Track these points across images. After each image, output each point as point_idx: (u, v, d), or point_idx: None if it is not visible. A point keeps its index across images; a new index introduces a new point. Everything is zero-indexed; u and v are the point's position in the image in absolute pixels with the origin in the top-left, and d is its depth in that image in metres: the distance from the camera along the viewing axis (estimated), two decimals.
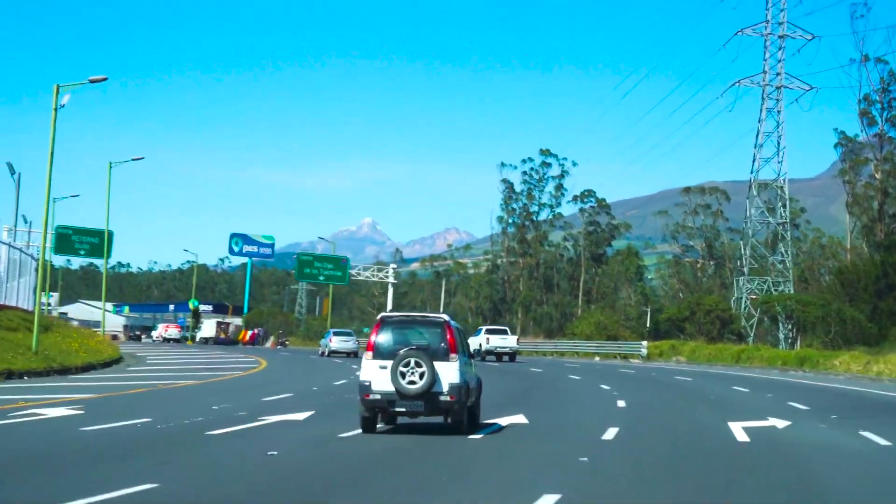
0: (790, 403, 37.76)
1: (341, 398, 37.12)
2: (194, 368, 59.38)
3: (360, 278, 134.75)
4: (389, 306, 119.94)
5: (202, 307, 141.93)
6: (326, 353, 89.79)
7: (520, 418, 29.02)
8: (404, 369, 23.66)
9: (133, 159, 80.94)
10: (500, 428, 26.83)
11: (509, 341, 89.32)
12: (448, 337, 24.78)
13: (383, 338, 24.83)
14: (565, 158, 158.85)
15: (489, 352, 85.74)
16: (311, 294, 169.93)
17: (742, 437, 25.04)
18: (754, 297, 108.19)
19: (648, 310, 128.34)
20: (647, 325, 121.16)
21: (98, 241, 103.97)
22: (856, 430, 27.52)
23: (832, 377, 63.89)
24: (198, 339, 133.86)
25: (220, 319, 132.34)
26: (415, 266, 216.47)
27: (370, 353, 24.59)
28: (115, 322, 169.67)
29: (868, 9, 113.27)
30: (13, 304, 70.25)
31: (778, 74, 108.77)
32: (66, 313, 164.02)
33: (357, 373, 49.91)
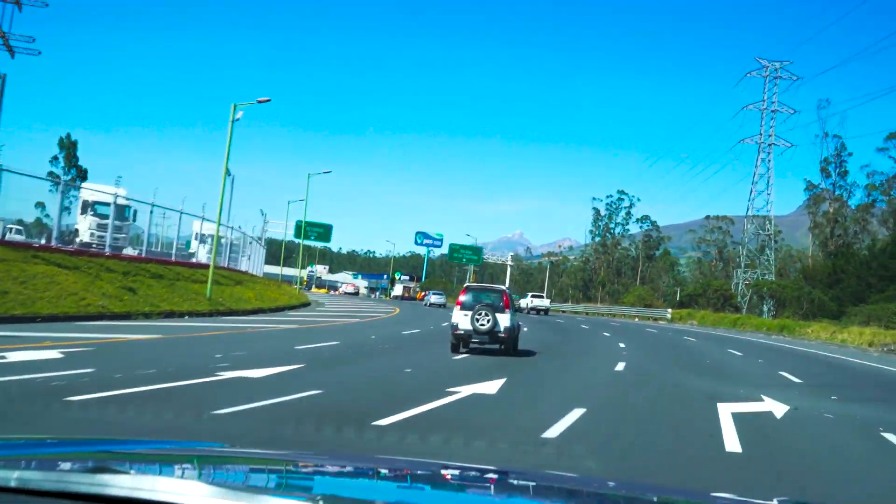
0: (782, 374, 22.67)
1: (370, 350, 23.15)
2: (338, 314, 46.12)
3: (489, 260, 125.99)
4: (508, 280, 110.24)
5: (402, 277, 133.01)
6: (427, 304, 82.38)
7: (492, 387, 15.21)
8: (478, 316, 22.83)
9: (324, 172, 68.51)
10: (461, 399, 13.33)
11: (544, 302, 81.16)
12: (505, 298, 23.88)
13: (466, 297, 23.95)
14: (633, 196, 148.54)
15: (531, 308, 77.65)
16: (476, 272, 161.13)
17: (732, 440, 10.77)
18: (748, 282, 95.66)
19: (678, 290, 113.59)
20: (677, 298, 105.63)
21: (322, 231, 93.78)
22: (874, 427, 13.09)
23: (806, 342, 48.29)
24: (392, 295, 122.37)
25: (406, 284, 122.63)
26: (541, 259, 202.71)
27: (458, 307, 23.57)
28: (357, 285, 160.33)
29: (828, 102, 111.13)
30: (241, 268, 58.46)
31: (770, 136, 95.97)
32: (319, 277, 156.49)
33: (441, 324, 36.47)
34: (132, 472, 1.97)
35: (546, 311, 79.19)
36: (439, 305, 78.82)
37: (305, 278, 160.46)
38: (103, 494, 1.64)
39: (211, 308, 37.52)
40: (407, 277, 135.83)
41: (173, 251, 44.12)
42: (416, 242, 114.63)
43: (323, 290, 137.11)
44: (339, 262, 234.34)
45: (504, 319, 22.93)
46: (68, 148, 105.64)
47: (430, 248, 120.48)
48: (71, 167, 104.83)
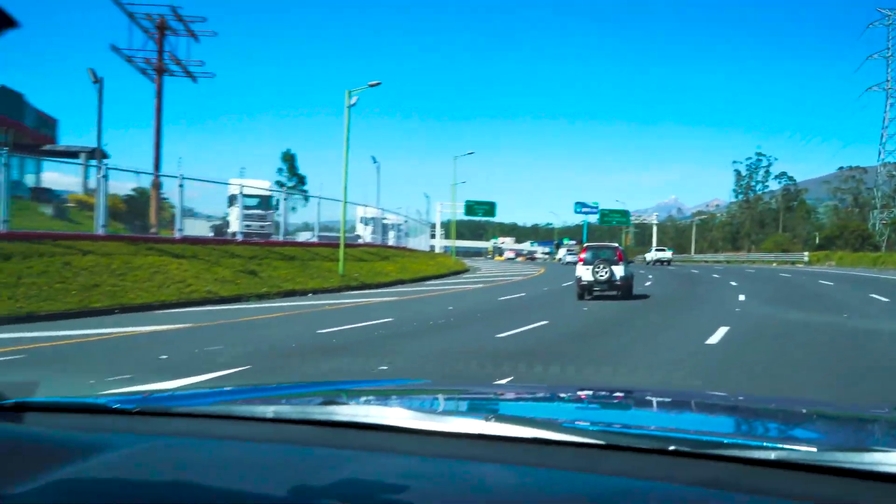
0: None
1: (408, 331, 15.63)
2: (472, 281, 38.57)
3: (636, 221, 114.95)
4: (654, 238, 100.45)
5: (568, 241, 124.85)
6: (563, 262, 75.14)
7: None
8: (597, 269, 21.96)
9: (468, 153, 61.04)
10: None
11: (666, 254, 73.05)
12: (618, 253, 22.71)
13: (587, 254, 22.81)
14: (771, 155, 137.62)
15: (656, 260, 70.47)
16: (636, 234, 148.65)
17: None
18: (885, 221, 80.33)
19: (816, 234, 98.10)
20: (816, 243, 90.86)
21: (488, 207, 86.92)
22: None
23: None
24: (556, 258, 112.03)
25: (569, 248, 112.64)
26: (692, 219, 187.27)
27: (581, 263, 22.74)
28: (535, 250, 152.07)
29: None
30: (411, 247, 54.57)
31: None
32: (500, 248, 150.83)
33: (563, 284, 28.79)
34: (352, 403, 2.08)
35: (669, 262, 71.51)
36: (574, 263, 69.62)
37: (490, 249, 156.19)
38: (331, 420, 1.77)
39: (341, 284, 30.98)
40: (573, 242, 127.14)
41: (314, 233, 38.11)
42: (575, 211, 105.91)
43: (502, 258, 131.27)
44: (524, 233, 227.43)
45: (619, 270, 22.31)
46: (290, 161, 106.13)
47: (588, 216, 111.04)
48: (292, 175, 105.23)
